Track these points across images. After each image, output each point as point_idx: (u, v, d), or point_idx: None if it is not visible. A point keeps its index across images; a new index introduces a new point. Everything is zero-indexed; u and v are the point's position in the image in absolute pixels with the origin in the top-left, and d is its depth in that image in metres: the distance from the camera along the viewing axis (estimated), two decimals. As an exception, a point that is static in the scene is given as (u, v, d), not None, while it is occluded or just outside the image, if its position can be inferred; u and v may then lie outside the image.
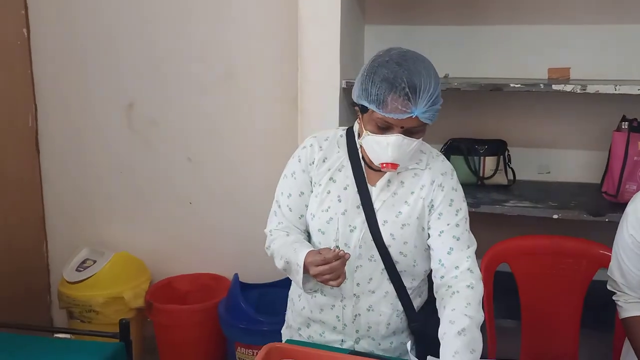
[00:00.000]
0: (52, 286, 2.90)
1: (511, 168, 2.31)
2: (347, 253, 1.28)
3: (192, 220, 2.77)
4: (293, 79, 2.19)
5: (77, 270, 2.60)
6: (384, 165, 1.34)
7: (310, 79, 2.14)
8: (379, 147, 1.33)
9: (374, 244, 1.40)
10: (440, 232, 1.40)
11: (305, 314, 1.52)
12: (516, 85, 2.02)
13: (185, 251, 2.79)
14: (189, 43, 2.60)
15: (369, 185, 1.42)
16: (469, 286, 1.36)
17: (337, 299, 1.45)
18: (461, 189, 1.48)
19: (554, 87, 1.98)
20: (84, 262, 2.64)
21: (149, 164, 2.76)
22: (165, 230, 2.80)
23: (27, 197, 2.80)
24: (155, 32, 2.62)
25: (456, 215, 1.41)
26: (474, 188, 2.27)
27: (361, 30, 2.48)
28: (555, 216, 2.01)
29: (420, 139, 1.36)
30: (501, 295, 1.95)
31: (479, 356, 1.27)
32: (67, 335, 2.30)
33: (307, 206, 1.47)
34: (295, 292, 1.57)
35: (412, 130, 1.32)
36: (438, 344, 1.31)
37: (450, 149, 2.32)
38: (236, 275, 2.48)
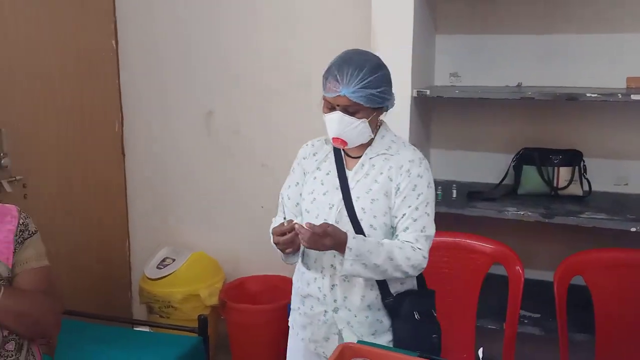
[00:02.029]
0: (133, 282, 3.09)
1: (587, 179, 2.26)
2: (298, 224, 1.47)
3: (263, 224, 2.82)
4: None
5: (157, 267, 2.76)
6: (334, 139, 1.57)
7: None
8: (328, 124, 1.57)
9: (348, 219, 1.58)
10: (403, 215, 1.57)
11: (299, 292, 1.71)
12: (593, 95, 1.99)
13: (257, 253, 2.89)
14: (266, 53, 2.71)
15: (346, 170, 1.64)
16: (412, 248, 1.54)
17: (318, 271, 1.63)
18: (429, 177, 1.61)
19: (633, 97, 1.94)
20: (163, 260, 2.80)
21: (225, 169, 2.89)
22: (239, 233, 2.92)
23: (113, 197, 3.00)
24: (234, 43, 2.75)
25: (417, 199, 1.57)
26: (547, 198, 2.24)
27: (432, 40, 2.50)
28: (633, 229, 1.96)
29: (364, 120, 1.54)
30: (574, 309, 1.92)
31: (389, 268, 1.51)
32: (147, 328, 2.46)
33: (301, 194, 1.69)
34: (294, 276, 1.75)
35: (348, 109, 1.53)
36: (412, 323, 1.57)
37: (523, 159, 2.31)
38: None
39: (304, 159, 1.72)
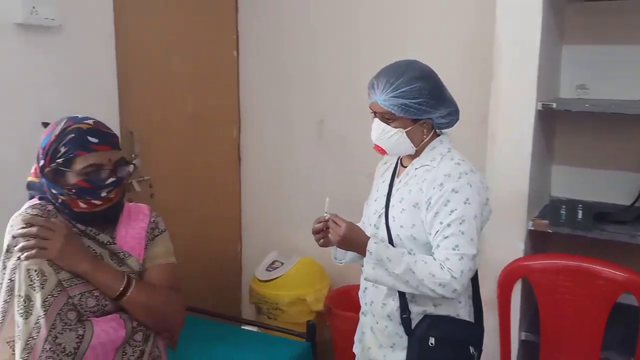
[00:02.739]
0: (243, 282, 3.20)
1: None
2: (328, 215, 1.59)
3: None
4: (483, 101, 2.18)
5: (267, 270, 2.84)
6: (374, 146, 1.61)
7: (503, 99, 2.10)
8: (372, 131, 1.62)
9: (385, 226, 1.61)
10: (436, 232, 1.51)
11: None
12: None
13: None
14: (380, 61, 2.70)
15: (395, 178, 1.66)
16: (441, 266, 1.48)
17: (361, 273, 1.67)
18: (469, 193, 1.51)
19: None
20: (273, 263, 2.88)
21: (334, 177, 2.92)
22: (346, 241, 2.93)
23: (228, 200, 3.13)
24: (348, 53, 2.77)
25: (449, 215, 1.49)
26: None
27: (558, 51, 2.37)
28: None
29: (400, 130, 1.55)
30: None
31: (412, 280, 1.47)
32: (255, 328, 2.53)
33: None
34: None
35: (383, 116, 1.56)
36: (425, 348, 1.53)
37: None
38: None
39: (377, 168, 1.80)
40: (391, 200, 1.61)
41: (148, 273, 1.49)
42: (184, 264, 2.84)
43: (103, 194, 1.41)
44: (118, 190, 1.44)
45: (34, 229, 1.36)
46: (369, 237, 1.52)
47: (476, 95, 2.30)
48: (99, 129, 1.44)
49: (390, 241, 1.58)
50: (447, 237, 1.48)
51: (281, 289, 2.76)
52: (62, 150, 1.40)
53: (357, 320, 2.60)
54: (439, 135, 1.63)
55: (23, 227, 1.37)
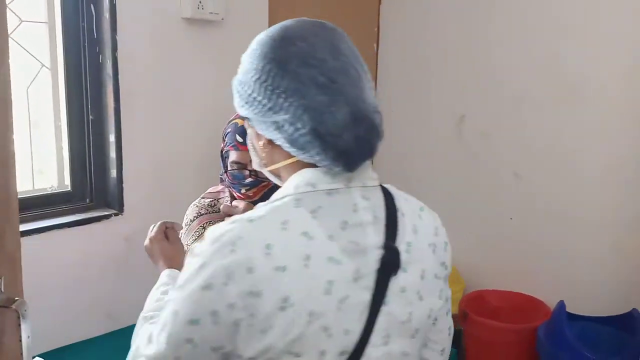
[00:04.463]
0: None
1: None
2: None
3: (511, 236, 2.72)
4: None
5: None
6: None
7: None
8: None
9: None
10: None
11: None
12: None
13: (500, 266, 2.76)
14: (527, 56, 2.55)
15: None
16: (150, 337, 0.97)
17: None
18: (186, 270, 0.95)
19: None
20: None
21: (474, 175, 2.80)
22: (482, 243, 2.81)
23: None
24: (493, 45, 2.64)
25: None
26: None
27: None
28: None
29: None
30: None
31: None
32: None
33: None
34: None
35: None
36: None
37: None
38: (562, 302, 2.35)
39: None
40: None
41: None
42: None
43: (242, 191, 1.47)
44: (257, 190, 1.47)
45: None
46: (168, 268, 1.17)
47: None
48: None
49: None
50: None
51: (415, 288, 2.69)
52: (226, 140, 1.49)
53: (497, 329, 2.50)
54: None
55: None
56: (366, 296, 0.86)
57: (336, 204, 0.88)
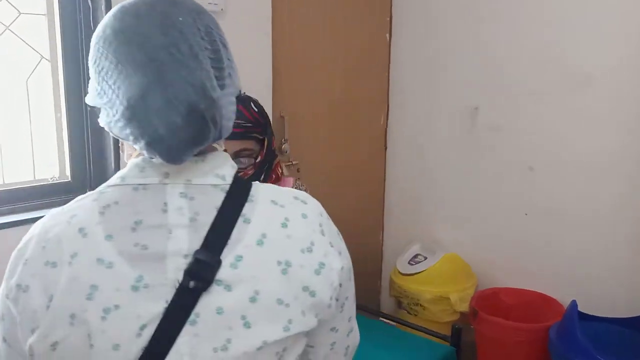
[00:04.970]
0: (383, 273, 3.13)
1: None
2: None
3: (525, 232, 2.64)
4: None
5: (409, 263, 2.74)
6: None
7: None
8: None
9: None
10: None
11: None
12: None
13: (514, 263, 2.68)
14: (539, 47, 2.46)
15: None
16: None
17: None
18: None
19: None
20: (415, 256, 2.77)
21: (487, 170, 2.72)
22: (496, 239, 2.73)
23: (372, 189, 3.07)
24: (507, 37, 2.55)
25: None
26: None
27: None
28: None
29: None
30: None
31: None
32: (393, 324, 2.45)
33: None
34: None
35: None
36: None
37: None
38: (574, 303, 2.26)
39: None
40: None
41: None
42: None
43: None
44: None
45: None
46: None
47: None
48: None
49: None
50: None
51: (423, 284, 2.64)
52: None
53: (508, 328, 2.42)
54: None
55: None
56: (153, 309, 0.73)
57: (137, 201, 0.77)
